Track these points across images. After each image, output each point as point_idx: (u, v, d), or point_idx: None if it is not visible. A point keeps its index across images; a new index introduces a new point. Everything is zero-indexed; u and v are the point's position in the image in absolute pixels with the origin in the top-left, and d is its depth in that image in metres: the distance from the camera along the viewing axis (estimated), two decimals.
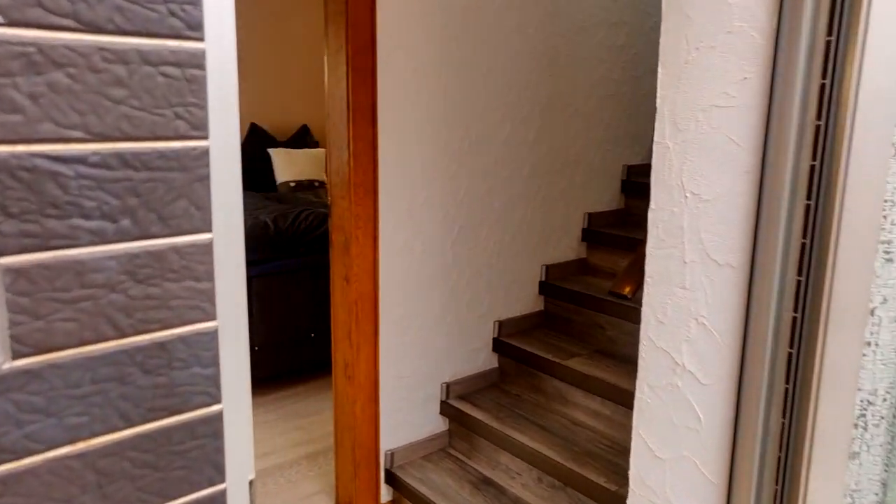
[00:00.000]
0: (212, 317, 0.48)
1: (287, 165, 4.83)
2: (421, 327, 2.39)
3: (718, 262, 1.23)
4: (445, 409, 2.54)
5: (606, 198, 2.88)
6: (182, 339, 0.47)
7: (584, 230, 2.86)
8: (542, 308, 2.80)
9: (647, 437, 1.40)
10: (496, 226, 2.51)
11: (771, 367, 1.23)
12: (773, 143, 1.15)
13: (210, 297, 0.48)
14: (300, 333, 3.40)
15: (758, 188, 1.16)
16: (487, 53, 2.33)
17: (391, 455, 2.41)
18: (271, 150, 4.87)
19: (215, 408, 0.49)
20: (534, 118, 2.53)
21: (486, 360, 2.65)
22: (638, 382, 1.40)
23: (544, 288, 2.76)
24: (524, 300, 2.72)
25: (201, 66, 0.46)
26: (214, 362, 0.49)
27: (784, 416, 1.23)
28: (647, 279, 1.35)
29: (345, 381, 2.30)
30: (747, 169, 1.17)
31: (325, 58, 2.08)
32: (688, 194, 1.26)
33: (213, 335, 0.48)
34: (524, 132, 2.51)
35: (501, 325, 2.65)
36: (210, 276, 0.48)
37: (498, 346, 2.66)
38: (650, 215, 1.32)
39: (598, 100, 2.72)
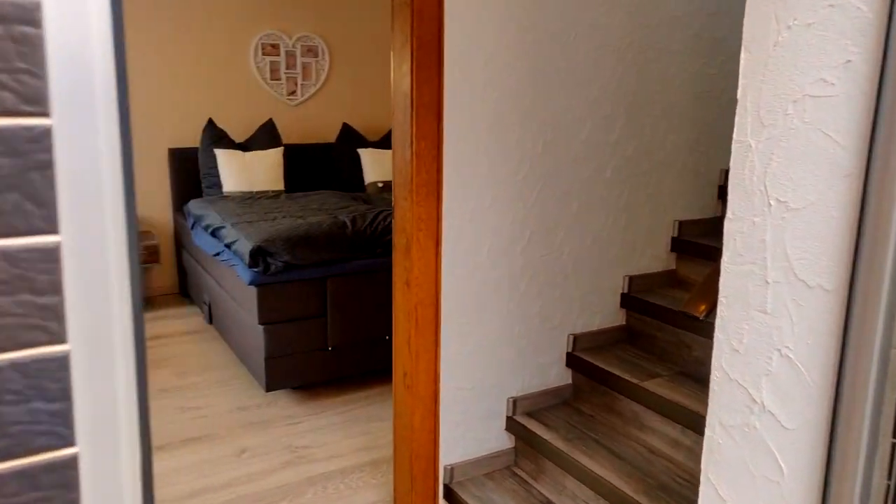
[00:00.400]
0: (59, 339, 0.39)
1: (376, 165, 4.82)
2: (486, 337, 2.26)
3: (808, 283, 1.02)
4: (511, 425, 2.39)
5: (700, 205, 2.62)
6: (15, 365, 0.38)
7: (673, 239, 2.62)
8: (624, 322, 2.59)
9: (717, 484, 1.20)
10: (572, 231, 2.34)
11: (873, 414, 1.01)
12: (881, 140, 0.93)
13: (57, 314, 0.39)
14: (374, 336, 3.35)
15: (860, 195, 0.95)
16: (565, 46, 2.17)
17: (451, 470, 2.29)
18: (361, 151, 4.88)
19: (66, 452, 0.40)
20: (617, 116, 2.33)
21: (557, 375, 2.48)
22: (708, 418, 1.21)
23: (626, 301, 2.55)
24: (603, 313, 2.52)
25: (34, 22, 0.36)
26: (64, 396, 0.39)
27: (889, 478, 1.01)
28: (722, 299, 1.15)
29: (403, 390, 2.21)
30: (848, 172, 0.96)
31: (392, 53, 2.00)
32: (772, 202, 1.06)
33: (61, 362, 0.39)
34: (606, 131, 2.32)
35: (576, 339, 2.47)
36: (57, 289, 0.38)
37: (572, 361, 2.48)
38: (726, 226, 1.13)
39: (692, 97, 2.48)
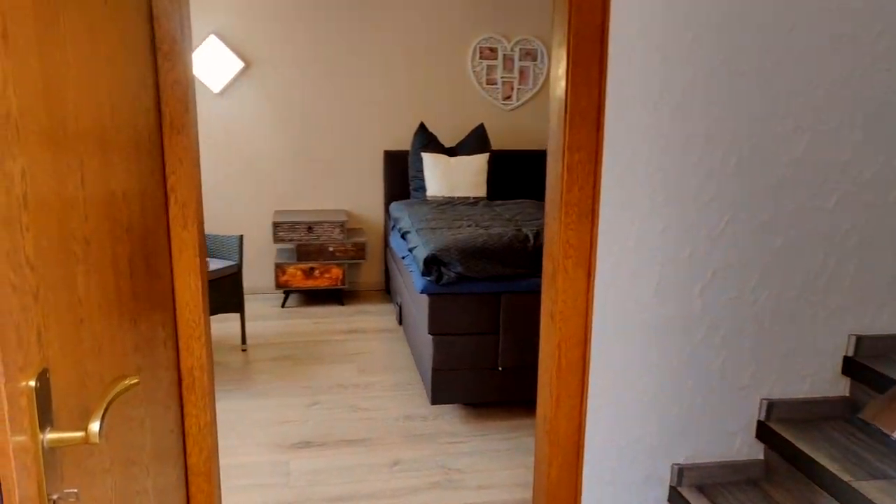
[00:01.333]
0: None
1: None
2: (647, 388, 1.89)
3: None
4: (675, 498, 1.98)
5: None
6: None
7: None
8: (846, 394, 2.02)
9: None
10: (773, 273, 1.86)
11: None
12: None
13: None
14: None
15: None
16: (778, 39, 1.71)
17: None
18: None
19: None
20: (852, 129, 1.80)
21: (743, 447, 2.01)
22: None
23: (851, 366, 1.98)
24: (814, 378, 1.98)
25: None
26: None
27: None
28: None
29: (543, 436, 1.94)
30: None
31: (551, 52, 1.74)
32: None
33: None
34: (833, 148, 1.81)
35: (772, 405, 1.98)
36: None
37: (764, 433, 1.99)
38: None
39: None
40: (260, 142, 4.74)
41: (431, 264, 2.98)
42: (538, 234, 3.17)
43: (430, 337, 3.03)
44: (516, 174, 4.85)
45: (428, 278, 2.97)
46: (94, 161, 0.97)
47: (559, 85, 1.68)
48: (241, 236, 3.75)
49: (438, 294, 2.98)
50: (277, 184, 4.82)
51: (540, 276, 2.99)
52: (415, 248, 3.26)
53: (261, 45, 4.60)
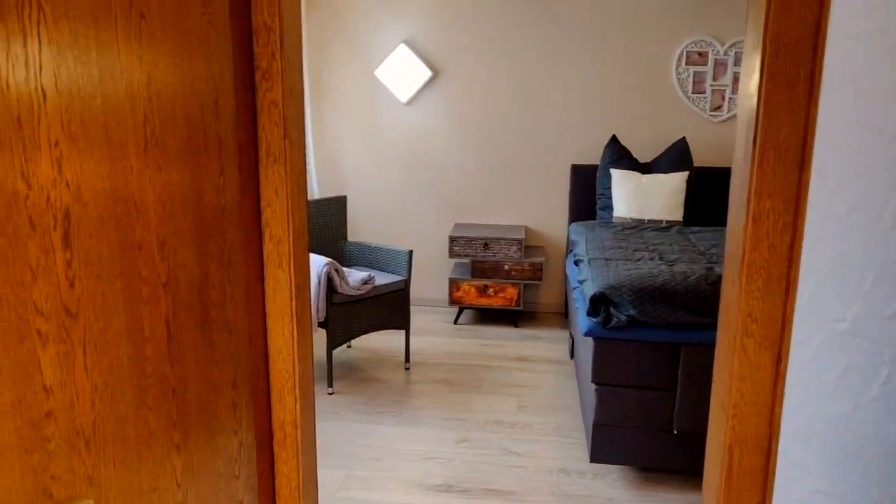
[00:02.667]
0: None
1: None
2: None
3: None
4: None
5: None
6: None
7: None
8: None
9: None
10: None
11: None
12: None
13: None
14: None
15: None
16: None
17: None
18: None
19: None
20: None
21: None
22: None
23: None
24: None
25: None
26: None
27: None
28: None
29: None
30: None
31: (742, 64, 1.31)
32: None
33: None
34: None
35: None
36: None
37: None
38: None
39: None
40: (443, 153, 4.64)
41: (599, 304, 2.60)
42: None
43: (594, 386, 2.65)
44: (720, 196, 4.21)
45: (594, 319, 2.60)
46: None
47: (748, 105, 1.25)
48: (411, 251, 3.65)
49: (605, 339, 2.59)
50: (458, 196, 4.70)
51: None
52: (584, 281, 2.89)
53: (449, 54, 4.49)
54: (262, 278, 1.39)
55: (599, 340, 2.60)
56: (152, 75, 0.92)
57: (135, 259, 0.90)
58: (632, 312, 2.54)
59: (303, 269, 1.43)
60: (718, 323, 1.42)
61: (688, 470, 2.70)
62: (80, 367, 0.81)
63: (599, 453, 2.69)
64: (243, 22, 1.27)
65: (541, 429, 3.13)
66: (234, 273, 1.26)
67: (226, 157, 1.16)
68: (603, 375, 2.62)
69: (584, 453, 2.91)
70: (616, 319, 2.55)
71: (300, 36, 1.36)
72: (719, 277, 2.62)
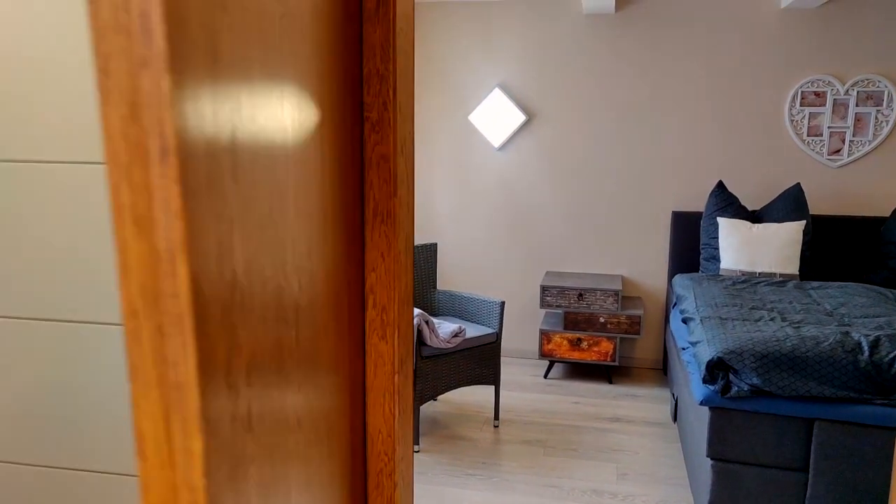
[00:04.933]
0: None
1: None
2: None
3: None
4: None
5: None
6: None
7: None
8: None
9: None
10: None
11: None
12: None
13: None
14: None
15: None
16: None
17: None
18: None
19: None
20: None
21: None
22: None
23: None
24: None
25: None
26: None
27: None
28: None
29: None
30: None
31: None
32: None
33: None
34: None
35: None
36: None
37: None
38: None
39: None
40: (536, 199, 4.49)
41: (717, 370, 2.35)
42: (876, 343, 2.32)
43: (710, 461, 2.38)
44: (841, 248, 3.85)
45: (711, 387, 2.34)
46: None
47: None
48: (503, 303, 3.49)
49: (724, 409, 2.33)
50: (551, 244, 4.52)
51: (875, 404, 2.17)
52: (697, 343, 2.64)
53: (544, 98, 4.37)
54: (363, 352, 1.27)
55: (717, 410, 2.34)
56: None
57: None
58: (755, 381, 2.27)
59: (406, 340, 1.30)
60: None
61: None
62: None
63: None
64: (353, 68, 1.17)
65: (644, 502, 2.85)
66: (352, 337, 1.14)
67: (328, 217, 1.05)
68: (720, 450, 2.35)
69: None
70: (737, 388, 2.29)
71: (413, 85, 1.26)
72: (858, 345, 2.32)
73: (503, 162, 4.50)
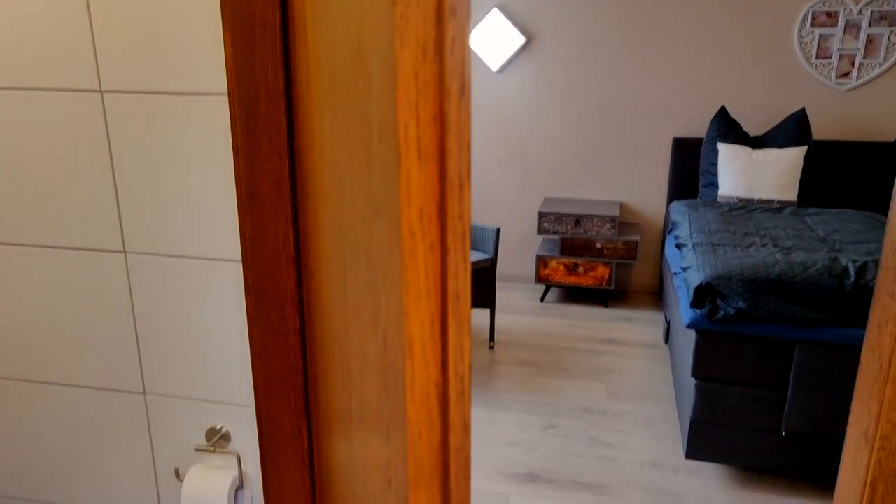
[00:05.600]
0: None
1: None
2: None
3: None
4: None
5: None
6: None
7: None
8: None
9: None
10: None
11: None
12: None
13: None
14: (841, 433, 2.30)
15: None
16: None
17: None
18: None
19: None
20: None
21: None
22: None
23: None
24: None
25: None
26: None
27: None
28: None
29: None
30: None
31: None
32: None
33: None
34: None
35: None
36: None
37: None
38: None
39: None
40: (534, 124, 4.44)
41: (705, 295, 2.39)
42: (863, 269, 2.35)
43: (694, 381, 2.46)
44: (843, 174, 3.83)
45: (699, 311, 2.40)
46: None
47: None
48: (499, 229, 3.52)
49: (710, 332, 2.39)
50: (549, 169, 4.50)
51: (857, 326, 2.23)
52: (688, 268, 2.67)
53: (544, 20, 4.26)
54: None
55: (703, 333, 2.40)
56: None
57: None
58: (741, 305, 2.32)
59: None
60: (865, 341, 1.22)
61: (793, 473, 2.49)
62: None
63: (695, 450, 2.51)
64: None
65: (632, 418, 2.97)
66: None
67: None
68: (705, 370, 2.42)
69: (678, 447, 2.74)
70: (723, 312, 2.34)
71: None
72: (845, 270, 2.35)
73: (502, 85, 4.43)
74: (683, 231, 3.11)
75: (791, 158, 3.65)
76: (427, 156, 0.43)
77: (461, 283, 0.44)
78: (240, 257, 1.22)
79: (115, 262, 1.27)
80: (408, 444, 0.46)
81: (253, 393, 1.28)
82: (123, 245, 1.25)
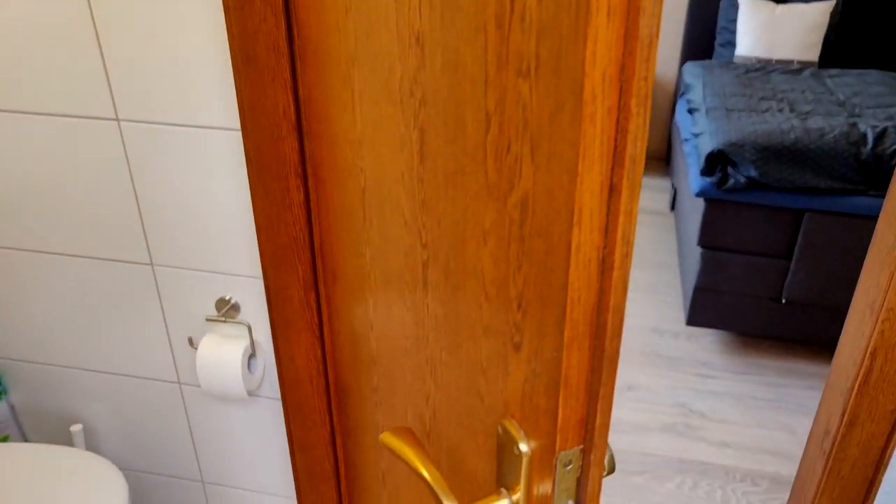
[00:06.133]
0: None
1: None
2: None
3: None
4: None
5: None
6: None
7: None
8: None
9: None
10: None
11: None
12: None
13: None
14: (845, 302, 2.35)
15: None
16: None
17: None
18: None
19: None
20: None
21: None
22: None
23: None
24: None
25: None
26: None
27: None
28: None
29: (819, 454, 1.40)
30: None
31: None
32: None
33: None
34: None
35: None
36: None
37: None
38: None
39: None
40: None
41: (715, 162, 2.34)
42: (882, 135, 2.28)
43: (699, 249, 2.47)
44: (870, 32, 3.62)
45: (708, 179, 2.35)
46: None
47: None
48: None
49: (718, 200, 2.36)
50: None
51: (870, 195, 2.20)
52: (700, 134, 2.60)
53: None
54: None
55: (712, 202, 2.37)
56: None
57: None
58: (752, 173, 2.27)
59: None
60: (883, 210, 1.19)
61: (790, 338, 2.56)
62: None
63: (696, 316, 2.57)
64: None
65: (634, 284, 3.02)
66: None
67: None
68: (711, 239, 2.42)
69: (680, 314, 2.81)
70: (733, 180, 2.30)
71: None
72: (863, 136, 2.28)
73: None
74: (696, 95, 3.00)
75: (817, 14, 3.43)
76: (615, 13, 0.41)
77: (640, 147, 0.44)
78: (239, 126, 1.17)
79: (109, 129, 1.22)
80: (567, 307, 0.49)
81: (260, 264, 1.28)
82: (115, 112, 1.20)
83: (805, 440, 2.15)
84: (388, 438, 0.64)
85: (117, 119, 1.20)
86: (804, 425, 2.23)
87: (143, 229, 1.31)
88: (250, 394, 1.41)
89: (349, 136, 0.92)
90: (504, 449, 0.60)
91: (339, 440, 1.34)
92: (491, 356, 0.60)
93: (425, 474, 0.59)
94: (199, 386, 1.45)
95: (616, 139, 0.45)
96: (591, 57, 0.42)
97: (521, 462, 0.57)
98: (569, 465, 0.55)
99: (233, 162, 1.19)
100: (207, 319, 1.36)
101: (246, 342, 1.33)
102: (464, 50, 0.56)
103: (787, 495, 1.97)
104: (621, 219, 0.46)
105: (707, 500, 1.98)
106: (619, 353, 0.53)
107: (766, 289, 2.44)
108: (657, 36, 0.43)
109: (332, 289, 1.18)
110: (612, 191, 0.46)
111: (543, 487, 0.56)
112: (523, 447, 0.57)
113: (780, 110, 2.62)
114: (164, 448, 1.55)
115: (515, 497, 0.58)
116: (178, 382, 1.46)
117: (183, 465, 1.56)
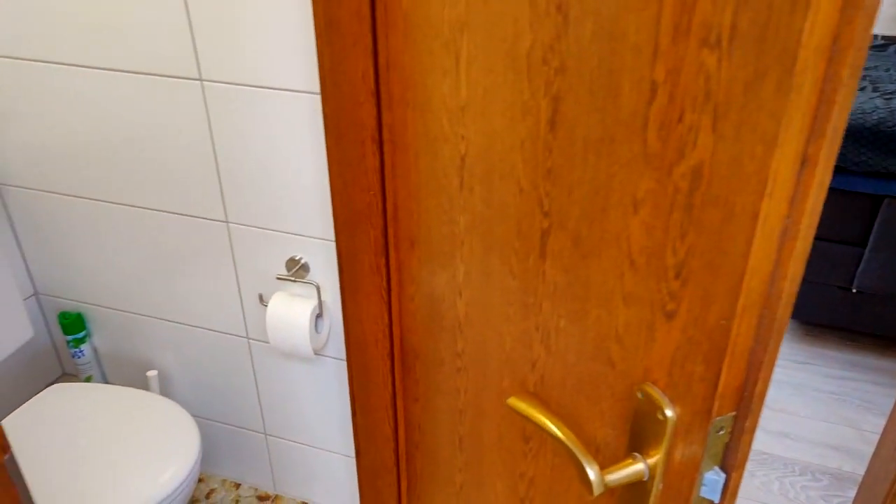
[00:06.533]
0: None
1: None
2: None
3: None
4: None
5: None
6: None
7: None
8: None
9: None
10: None
11: None
12: None
13: None
14: None
15: None
16: None
17: None
18: None
19: None
20: None
21: None
22: None
23: None
24: None
25: None
26: None
27: None
28: None
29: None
30: None
31: None
32: None
33: None
34: None
35: None
36: None
37: None
38: None
39: None
40: None
41: None
42: None
43: None
44: None
45: None
46: None
47: None
48: None
49: None
50: None
51: None
52: None
53: None
54: None
55: None
56: None
57: None
58: None
59: None
60: None
61: (858, 330, 2.47)
62: None
63: None
64: None
65: None
66: None
67: None
68: None
69: None
70: None
71: None
72: None
73: None
74: None
75: None
76: None
77: (843, 118, 0.44)
78: (318, 90, 1.14)
79: (192, 89, 1.20)
80: (745, 276, 0.48)
81: (332, 227, 1.25)
82: (199, 72, 1.18)
83: (871, 437, 2.09)
84: (517, 403, 0.63)
85: (200, 79, 1.18)
86: (870, 422, 2.16)
87: (221, 187, 1.30)
88: (316, 353, 1.40)
89: (448, 104, 0.88)
90: (643, 414, 0.59)
91: (399, 403, 1.33)
92: (630, 324, 0.58)
93: (563, 438, 0.59)
94: (266, 342, 1.45)
95: (817, 109, 0.42)
96: (809, 27, 0.42)
97: (664, 427, 0.57)
98: (721, 430, 0.55)
99: (310, 125, 1.16)
100: (278, 278, 1.35)
101: (314, 302, 1.32)
102: (626, 19, 0.52)
103: (850, 494, 1.91)
104: (812, 190, 0.44)
105: (762, 491, 1.93)
106: (788, 322, 0.52)
107: (836, 277, 2.35)
108: (878, 4, 0.41)
109: (408, 255, 1.16)
110: (806, 162, 0.43)
111: (689, 452, 0.56)
112: (668, 412, 0.56)
113: (863, 89, 2.49)
114: (231, 399, 1.57)
115: (652, 462, 0.57)
116: (247, 337, 1.47)
117: (248, 417, 1.58)
